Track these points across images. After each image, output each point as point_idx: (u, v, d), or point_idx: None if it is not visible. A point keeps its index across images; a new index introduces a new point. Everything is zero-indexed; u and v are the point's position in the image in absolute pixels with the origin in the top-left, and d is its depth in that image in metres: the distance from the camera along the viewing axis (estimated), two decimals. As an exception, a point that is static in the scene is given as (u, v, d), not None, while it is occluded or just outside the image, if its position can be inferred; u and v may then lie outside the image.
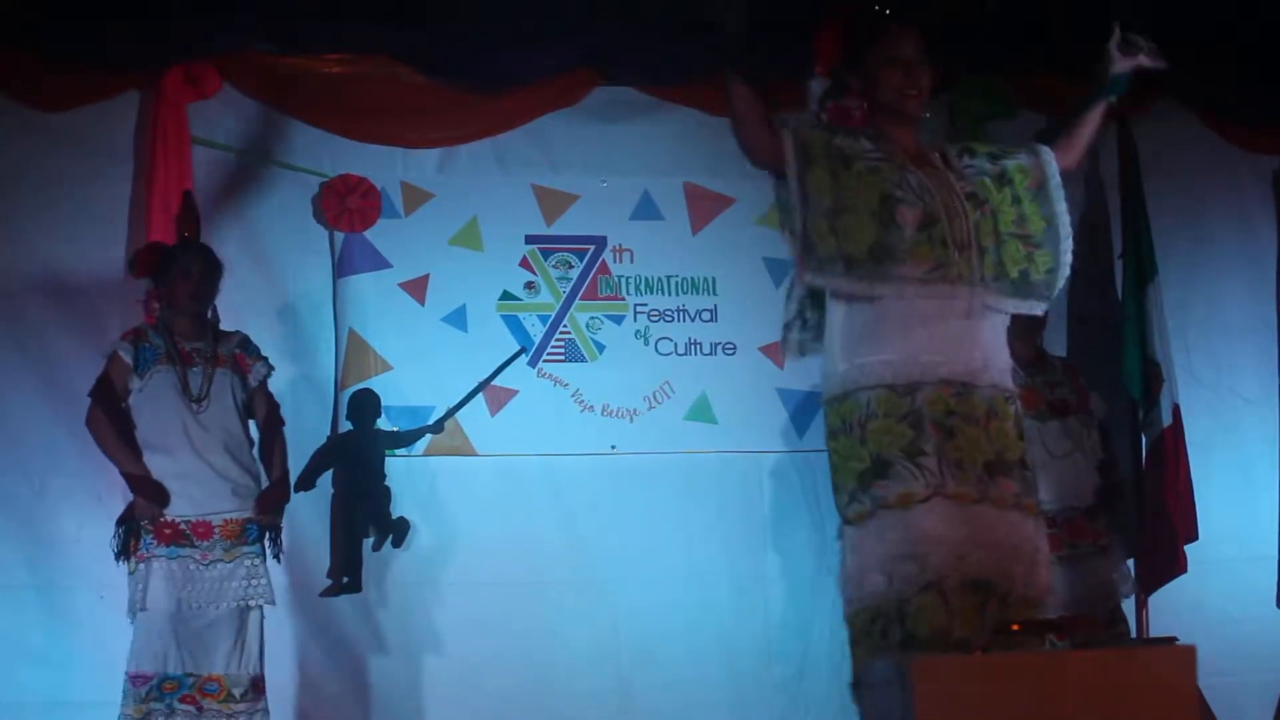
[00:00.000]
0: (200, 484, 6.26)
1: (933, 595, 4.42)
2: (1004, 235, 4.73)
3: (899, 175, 4.64)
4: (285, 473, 6.61)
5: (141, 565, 6.19)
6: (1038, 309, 4.88)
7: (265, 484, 6.47)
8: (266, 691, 6.46)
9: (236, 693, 6.28)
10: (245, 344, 6.57)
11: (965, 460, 4.52)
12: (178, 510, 6.23)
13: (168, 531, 6.19)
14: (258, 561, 6.37)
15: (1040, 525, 4.66)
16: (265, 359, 6.61)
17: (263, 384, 6.58)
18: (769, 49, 5.01)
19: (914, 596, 4.43)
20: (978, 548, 4.47)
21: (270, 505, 6.52)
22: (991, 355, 4.67)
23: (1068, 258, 4.81)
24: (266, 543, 6.47)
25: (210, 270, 6.52)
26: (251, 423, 6.57)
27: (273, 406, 6.65)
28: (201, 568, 6.20)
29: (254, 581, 6.33)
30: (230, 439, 6.38)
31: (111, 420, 6.29)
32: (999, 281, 4.69)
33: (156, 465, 6.25)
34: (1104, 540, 7.07)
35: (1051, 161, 4.89)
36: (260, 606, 6.40)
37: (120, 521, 6.32)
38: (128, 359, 6.31)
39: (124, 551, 6.28)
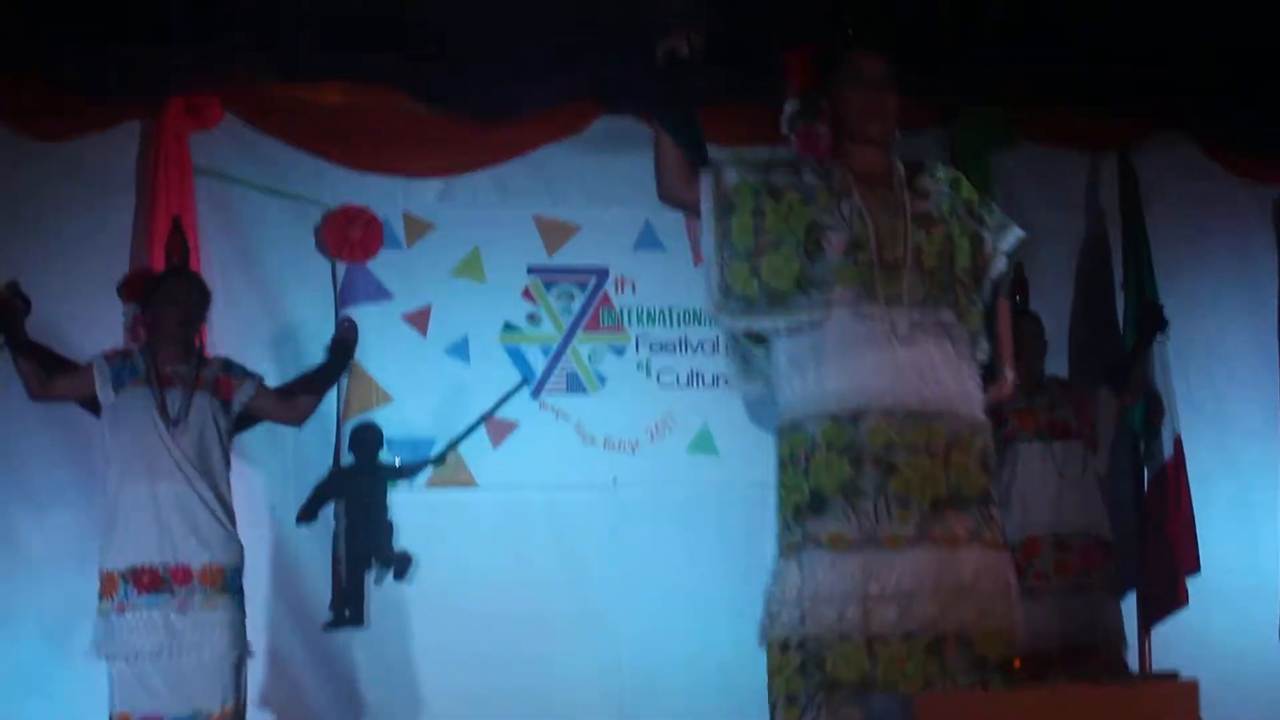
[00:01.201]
0: (181, 508, 6.17)
1: (855, 644, 4.39)
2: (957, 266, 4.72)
3: (833, 202, 4.61)
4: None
5: (120, 615, 6.11)
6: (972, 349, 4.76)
7: (234, 529, 6.37)
8: None
9: None
10: (227, 366, 6.50)
11: (912, 495, 4.47)
12: (156, 551, 6.14)
13: (146, 579, 6.11)
14: (238, 612, 6.28)
15: (1006, 562, 4.60)
16: (252, 374, 6.54)
17: (260, 388, 6.51)
18: (737, 75, 5.01)
19: (836, 643, 4.40)
20: (906, 594, 4.42)
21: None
22: (951, 381, 4.61)
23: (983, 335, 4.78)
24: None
25: (198, 297, 6.51)
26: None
27: (280, 390, 6.63)
28: (181, 617, 6.11)
29: (233, 633, 6.23)
30: (210, 467, 6.29)
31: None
32: (951, 307, 4.66)
33: (137, 492, 6.17)
34: (1113, 576, 7.09)
35: (999, 266, 4.82)
36: (238, 656, 6.29)
37: None
38: (101, 372, 6.28)
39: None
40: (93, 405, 6.37)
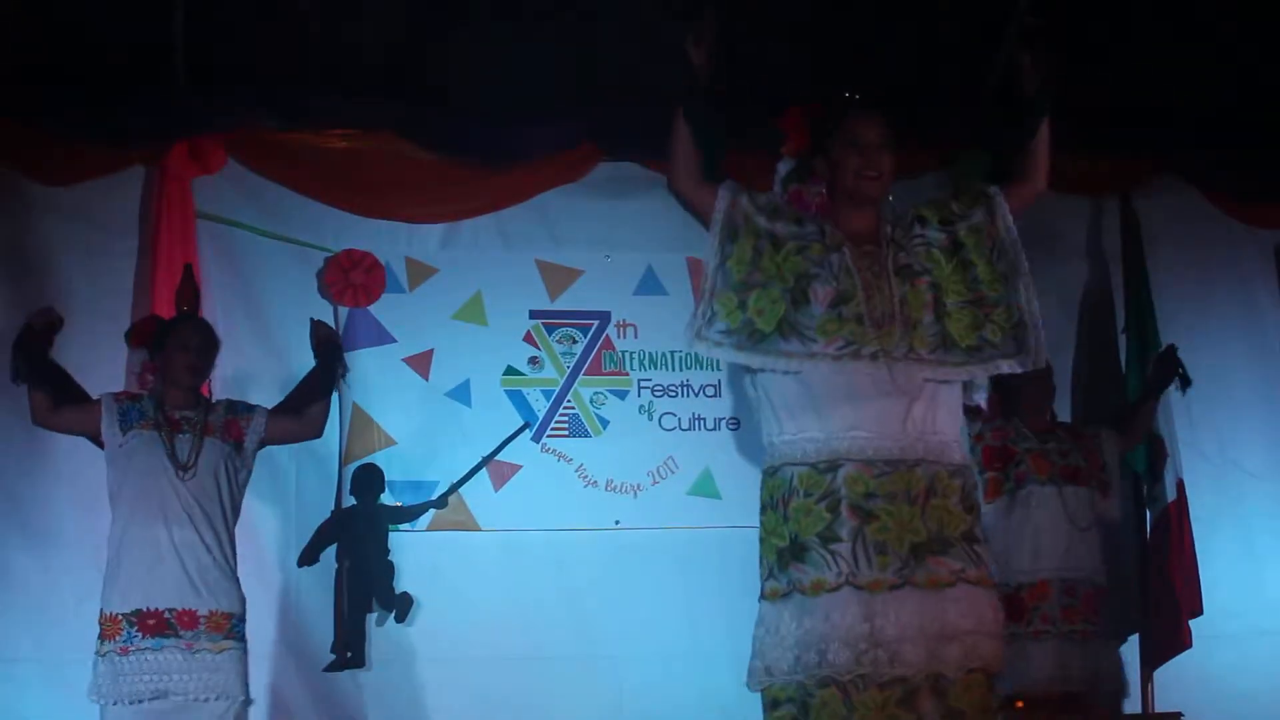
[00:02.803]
0: (189, 555, 6.10)
1: (832, 690, 4.43)
2: (951, 308, 4.70)
3: (823, 255, 4.68)
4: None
5: (123, 657, 6.04)
6: (1005, 368, 4.73)
7: (236, 578, 6.29)
8: None
9: None
10: (232, 407, 6.45)
11: (890, 542, 4.50)
12: (161, 595, 6.07)
13: (151, 622, 6.04)
14: (243, 658, 6.19)
15: (991, 598, 4.60)
16: (256, 406, 6.49)
17: (269, 415, 6.45)
18: (741, 122, 5.06)
19: (816, 690, 4.45)
20: (892, 639, 4.45)
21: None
22: (929, 429, 4.64)
23: (1033, 307, 4.75)
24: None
25: (207, 345, 6.46)
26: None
27: (286, 408, 6.55)
28: (190, 657, 6.04)
29: (239, 679, 6.15)
30: (217, 514, 6.22)
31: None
32: (946, 352, 4.66)
33: (144, 536, 6.09)
34: (1109, 622, 7.07)
35: (1005, 214, 4.79)
36: (242, 703, 6.21)
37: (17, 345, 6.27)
38: (109, 410, 6.24)
39: (16, 376, 6.23)
40: (97, 439, 6.33)
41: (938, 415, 4.67)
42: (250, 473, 6.45)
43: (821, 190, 4.82)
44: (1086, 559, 6.98)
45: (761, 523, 4.70)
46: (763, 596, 4.66)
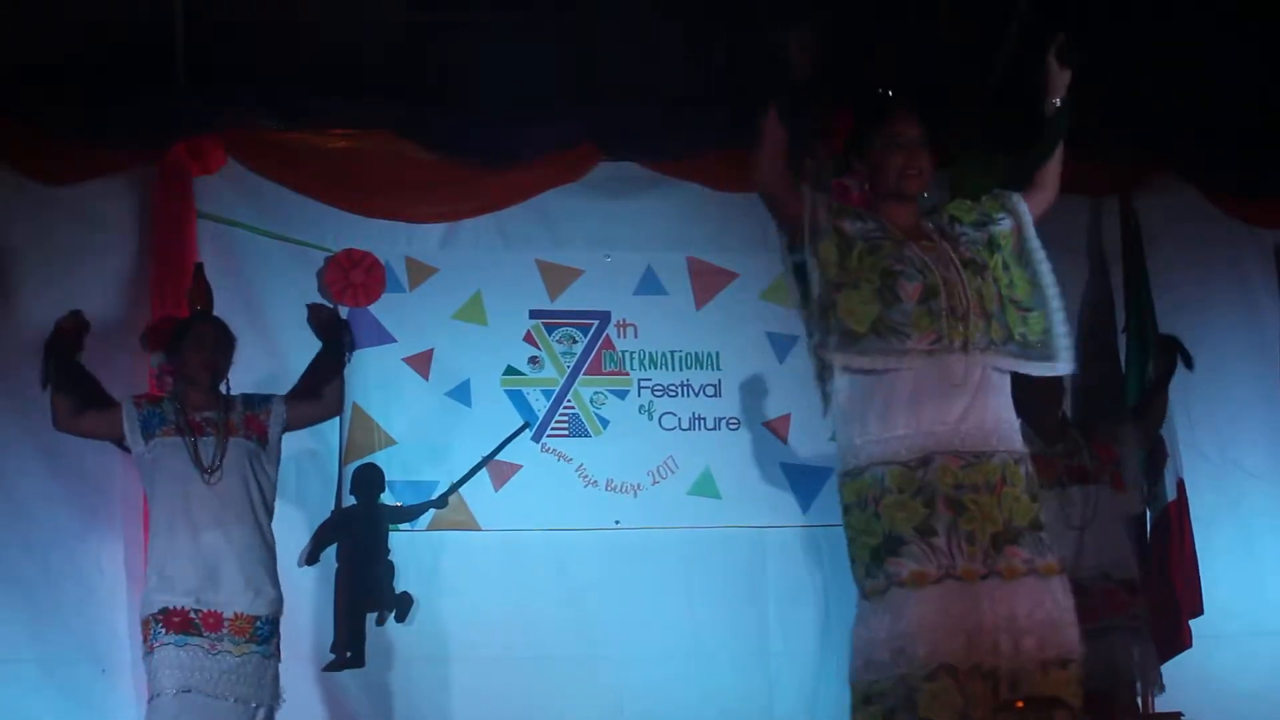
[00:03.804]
0: (217, 558, 6.08)
1: (944, 681, 4.46)
2: (1005, 299, 4.81)
3: (899, 250, 4.73)
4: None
5: (153, 653, 6.04)
6: (1047, 370, 4.86)
7: (273, 578, 6.29)
8: None
9: None
10: (248, 401, 6.40)
11: (976, 532, 4.57)
12: (185, 595, 6.04)
13: (176, 619, 6.02)
14: (266, 662, 6.18)
15: (1060, 585, 4.67)
16: (271, 396, 6.45)
17: (287, 403, 6.43)
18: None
19: (923, 683, 4.48)
20: (982, 629, 4.51)
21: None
22: (1001, 418, 4.72)
23: (1060, 316, 4.86)
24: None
25: (222, 342, 6.42)
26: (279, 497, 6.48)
27: (303, 392, 6.52)
28: (210, 657, 6.02)
29: (260, 682, 6.15)
30: (248, 514, 6.19)
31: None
32: (1009, 344, 4.75)
33: (175, 542, 6.07)
34: (1137, 616, 7.04)
35: (1029, 221, 4.95)
36: (267, 707, 6.22)
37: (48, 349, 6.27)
38: (130, 416, 6.22)
39: (46, 380, 6.23)
40: (121, 444, 6.32)
41: (1006, 403, 4.77)
42: (279, 463, 6.42)
43: (863, 184, 4.90)
44: (1092, 555, 6.97)
45: (847, 524, 4.74)
46: (864, 595, 4.69)
